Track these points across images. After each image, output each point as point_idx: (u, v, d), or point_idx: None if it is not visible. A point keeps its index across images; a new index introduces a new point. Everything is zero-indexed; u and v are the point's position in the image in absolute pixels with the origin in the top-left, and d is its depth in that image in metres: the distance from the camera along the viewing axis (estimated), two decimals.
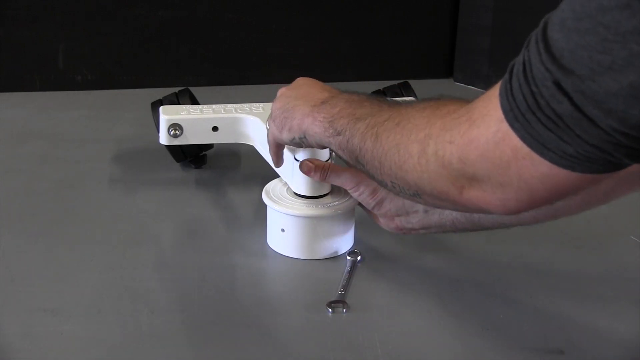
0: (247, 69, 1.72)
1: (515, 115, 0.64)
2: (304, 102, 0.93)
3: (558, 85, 0.61)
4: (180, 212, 1.16)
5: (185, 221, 1.14)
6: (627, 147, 0.61)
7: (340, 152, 0.88)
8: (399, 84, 1.34)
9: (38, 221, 1.12)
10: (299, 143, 0.95)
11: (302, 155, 1.03)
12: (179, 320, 0.92)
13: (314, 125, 0.90)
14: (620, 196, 0.89)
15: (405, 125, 0.76)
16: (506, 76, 0.66)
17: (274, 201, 1.04)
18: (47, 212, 1.15)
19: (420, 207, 0.98)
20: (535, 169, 0.65)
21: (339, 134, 0.86)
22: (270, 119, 0.98)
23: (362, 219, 1.06)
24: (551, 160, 0.64)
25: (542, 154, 0.64)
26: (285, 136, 0.95)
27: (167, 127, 1.16)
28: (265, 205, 1.05)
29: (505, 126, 0.65)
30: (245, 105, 1.19)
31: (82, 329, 0.90)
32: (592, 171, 0.64)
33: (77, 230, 1.10)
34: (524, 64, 0.64)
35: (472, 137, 0.68)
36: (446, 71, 1.79)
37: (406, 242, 1.06)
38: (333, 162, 1.04)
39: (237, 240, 1.08)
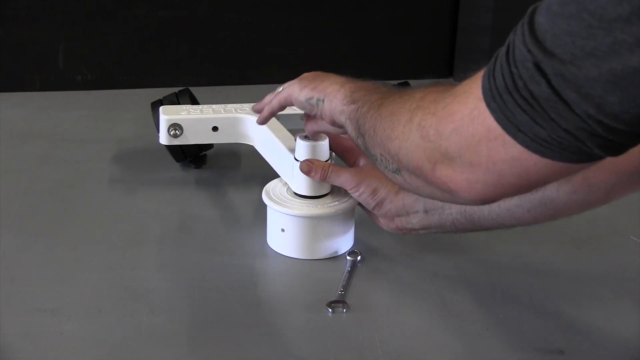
0: (247, 69, 1.72)
1: (493, 95, 0.65)
2: (337, 76, 0.95)
3: (538, 67, 0.61)
4: (180, 212, 1.16)
5: (185, 221, 1.14)
6: (600, 136, 0.61)
7: (347, 124, 0.89)
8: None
9: (38, 221, 1.12)
10: (312, 105, 0.95)
11: (302, 155, 1.03)
12: (179, 320, 0.92)
13: (338, 93, 0.91)
14: (620, 197, 0.89)
15: (406, 97, 0.77)
16: (493, 58, 0.66)
17: (274, 201, 1.04)
18: (47, 212, 1.15)
19: (420, 207, 0.98)
20: (505, 151, 0.65)
21: (353, 102, 0.88)
22: (294, 81, 0.99)
23: (362, 219, 1.06)
24: (523, 143, 0.64)
25: (514, 136, 0.64)
26: (304, 94, 0.96)
27: (167, 127, 1.16)
28: (265, 205, 1.05)
29: (482, 105, 0.66)
30: (245, 105, 1.19)
31: (82, 329, 0.90)
32: (563, 159, 0.64)
33: (77, 230, 1.10)
34: (508, 46, 0.64)
35: (451, 111, 0.69)
36: (446, 71, 1.79)
37: (406, 242, 1.06)
38: (333, 162, 1.04)
39: (237, 240, 1.08)
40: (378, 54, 1.77)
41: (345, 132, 0.93)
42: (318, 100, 0.94)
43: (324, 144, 1.03)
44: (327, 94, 0.93)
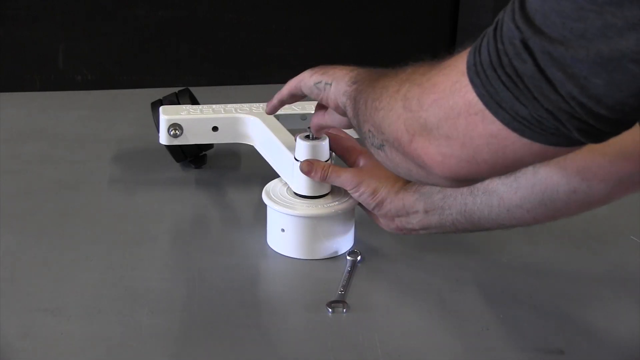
0: (247, 69, 1.72)
1: (477, 71, 0.65)
2: (349, 66, 0.95)
3: (525, 44, 0.61)
4: (180, 212, 1.16)
5: (185, 221, 1.14)
6: (581, 120, 0.61)
7: (347, 104, 0.88)
8: None
9: (38, 221, 1.12)
10: (319, 90, 0.95)
11: (302, 155, 1.03)
12: (179, 320, 0.92)
13: (346, 76, 0.91)
14: (620, 197, 0.89)
15: (400, 71, 0.77)
16: (481, 35, 0.66)
17: (274, 201, 1.04)
18: (47, 212, 1.15)
19: (420, 207, 0.98)
20: (484, 127, 0.65)
21: (355, 82, 0.87)
22: (307, 70, 0.99)
23: (362, 219, 1.06)
24: (503, 120, 0.64)
25: (495, 113, 0.64)
26: (313, 79, 0.96)
27: (167, 127, 1.16)
28: (265, 205, 1.05)
29: (465, 79, 0.66)
30: (245, 105, 1.19)
31: (82, 329, 0.90)
32: (541, 140, 0.64)
33: (77, 230, 1.10)
34: (496, 23, 0.64)
35: (435, 82, 0.69)
36: None
37: (406, 242, 1.06)
38: (333, 162, 1.04)
39: (237, 240, 1.08)
40: (378, 54, 1.77)
41: (349, 125, 0.93)
42: (326, 84, 0.94)
43: (324, 144, 1.03)
44: (335, 78, 0.93)
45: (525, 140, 0.64)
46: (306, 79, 0.98)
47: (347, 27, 1.75)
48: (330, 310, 0.94)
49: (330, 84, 0.93)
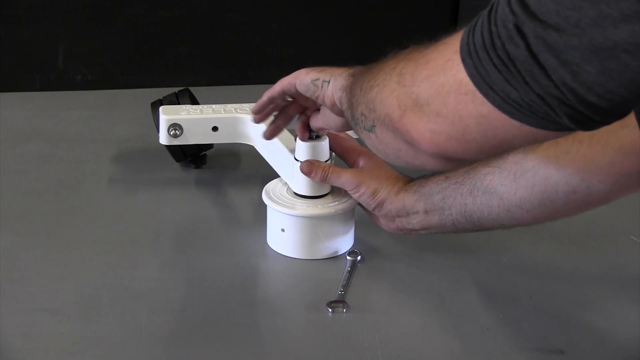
0: (247, 69, 1.72)
1: (469, 51, 0.65)
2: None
3: (518, 28, 0.61)
4: (180, 212, 1.16)
5: (185, 221, 1.14)
6: (571, 106, 0.61)
7: (343, 96, 0.87)
8: None
9: (38, 221, 1.12)
10: (316, 87, 0.93)
11: (302, 155, 1.03)
12: (179, 320, 0.93)
13: (344, 73, 0.90)
14: (619, 197, 0.89)
15: (399, 52, 0.77)
16: (477, 16, 0.66)
17: (274, 201, 1.04)
18: (47, 212, 1.15)
19: (420, 208, 0.98)
20: (474, 107, 0.66)
21: (353, 75, 0.87)
22: (303, 69, 0.97)
23: (362, 219, 1.06)
24: (493, 102, 0.64)
25: (485, 94, 0.65)
26: (310, 76, 0.94)
27: (167, 127, 1.16)
28: (265, 205, 1.05)
29: (457, 58, 0.66)
30: (245, 105, 1.19)
31: (82, 329, 0.90)
32: (531, 123, 0.64)
33: (77, 230, 1.10)
34: (492, 5, 0.64)
35: (428, 58, 0.70)
36: None
37: (406, 242, 1.06)
38: (333, 162, 1.04)
39: (237, 240, 1.08)
40: (378, 54, 1.77)
41: (342, 127, 0.93)
42: (324, 81, 0.93)
43: (324, 144, 1.03)
44: (333, 75, 0.92)
45: (515, 122, 0.65)
46: (302, 77, 0.95)
47: (347, 27, 1.75)
48: (330, 310, 0.94)
49: (328, 82, 0.92)
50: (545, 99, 0.62)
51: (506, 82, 0.63)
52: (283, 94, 0.99)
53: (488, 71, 0.64)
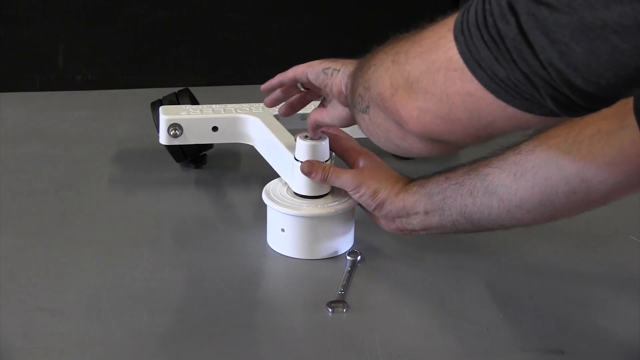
0: (247, 69, 1.72)
1: (462, 29, 0.65)
2: None
3: (511, 5, 0.62)
4: (180, 212, 1.16)
5: (185, 221, 1.14)
6: (555, 88, 0.61)
7: (348, 82, 0.88)
8: None
9: (38, 221, 1.12)
10: (326, 75, 0.94)
11: (302, 155, 1.03)
12: (179, 320, 0.93)
13: (355, 62, 0.90)
14: (619, 198, 0.89)
15: (402, 35, 0.77)
16: None
17: (274, 201, 1.04)
18: (47, 212, 1.15)
19: (420, 208, 0.98)
20: (462, 84, 0.66)
21: (360, 61, 0.86)
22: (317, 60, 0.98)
23: (362, 219, 1.06)
24: (480, 79, 0.65)
25: (474, 72, 0.65)
26: (323, 65, 0.95)
27: (167, 127, 1.16)
28: (265, 205, 1.05)
29: (450, 35, 0.67)
30: (245, 105, 1.20)
31: (82, 329, 0.90)
32: (516, 105, 0.64)
33: (77, 230, 1.10)
34: None
35: (423, 36, 0.71)
36: None
37: (406, 242, 1.06)
38: (333, 162, 1.04)
39: (237, 240, 1.08)
40: None
41: (347, 122, 0.93)
42: (334, 70, 0.94)
43: (324, 144, 1.03)
44: (345, 64, 0.93)
45: (500, 103, 0.65)
46: (315, 65, 0.97)
47: (347, 27, 1.75)
48: (330, 310, 0.94)
49: (339, 70, 0.93)
50: (530, 78, 0.62)
51: (494, 59, 0.63)
52: (294, 80, 1.01)
53: (478, 48, 0.64)
